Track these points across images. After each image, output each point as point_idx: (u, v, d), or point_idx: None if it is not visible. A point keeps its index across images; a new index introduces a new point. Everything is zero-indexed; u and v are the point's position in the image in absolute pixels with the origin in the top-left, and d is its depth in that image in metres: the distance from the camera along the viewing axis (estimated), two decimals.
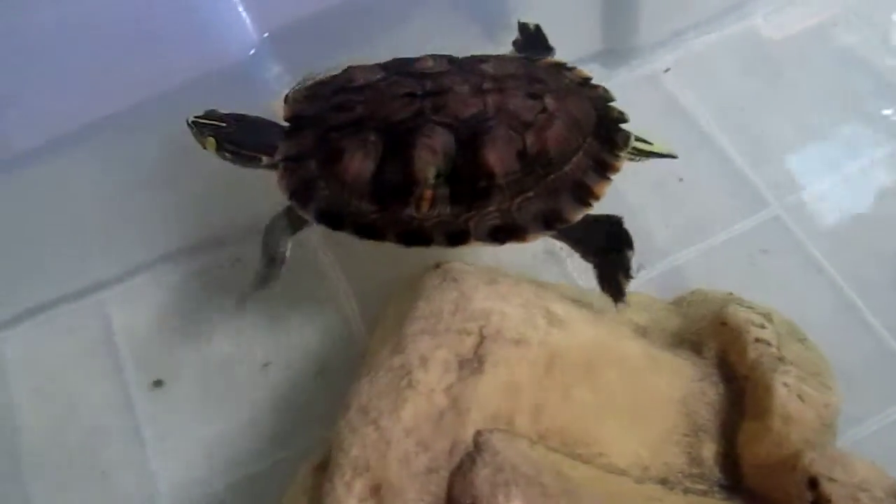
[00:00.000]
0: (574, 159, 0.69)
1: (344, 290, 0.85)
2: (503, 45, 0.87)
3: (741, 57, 0.95)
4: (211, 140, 0.74)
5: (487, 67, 0.72)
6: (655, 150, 0.77)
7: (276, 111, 0.78)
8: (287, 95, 0.77)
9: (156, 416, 0.80)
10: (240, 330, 0.83)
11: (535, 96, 0.69)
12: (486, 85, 0.69)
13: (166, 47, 0.87)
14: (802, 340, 0.68)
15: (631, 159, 0.74)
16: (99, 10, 0.86)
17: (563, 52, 0.84)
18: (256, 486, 0.76)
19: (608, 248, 0.70)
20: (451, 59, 0.74)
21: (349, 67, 0.76)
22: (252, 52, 0.90)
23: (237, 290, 0.85)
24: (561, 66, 0.79)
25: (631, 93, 0.86)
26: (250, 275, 0.86)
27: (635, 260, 0.81)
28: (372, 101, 0.69)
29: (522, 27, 0.86)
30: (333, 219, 0.70)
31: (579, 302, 0.68)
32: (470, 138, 0.67)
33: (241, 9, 0.89)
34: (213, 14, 0.87)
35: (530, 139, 0.67)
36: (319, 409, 0.78)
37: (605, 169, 0.70)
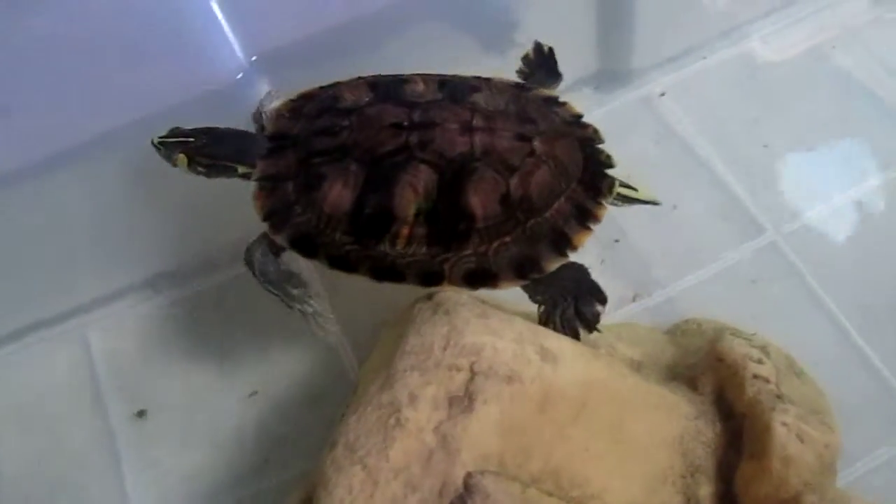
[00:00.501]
0: (556, 205, 0.68)
1: (332, 319, 0.83)
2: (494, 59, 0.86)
3: (737, 80, 0.94)
4: (181, 157, 0.73)
5: (479, 99, 0.71)
6: (639, 198, 0.74)
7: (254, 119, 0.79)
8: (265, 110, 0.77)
9: (138, 447, 0.78)
10: (225, 358, 0.82)
11: (524, 138, 0.68)
12: (476, 122, 0.67)
13: (154, 70, 0.86)
14: (800, 374, 0.67)
15: (614, 204, 0.72)
16: (87, 31, 0.85)
17: None
18: None
19: (575, 297, 0.69)
20: (441, 83, 0.73)
21: (337, 83, 0.74)
22: (240, 75, 0.89)
23: (221, 316, 0.84)
24: (553, 101, 0.76)
25: (625, 116, 0.86)
26: (235, 299, 0.85)
27: (632, 288, 0.81)
28: (358, 129, 0.68)
29: (537, 47, 0.85)
30: (307, 246, 0.68)
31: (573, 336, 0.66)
32: (454, 179, 0.65)
33: (229, 32, 0.88)
34: (201, 37, 0.87)
35: (514, 183, 0.66)
36: (306, 441, 0.76)
37: (586, 217, 0.68)
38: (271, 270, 0.72)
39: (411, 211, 0.65)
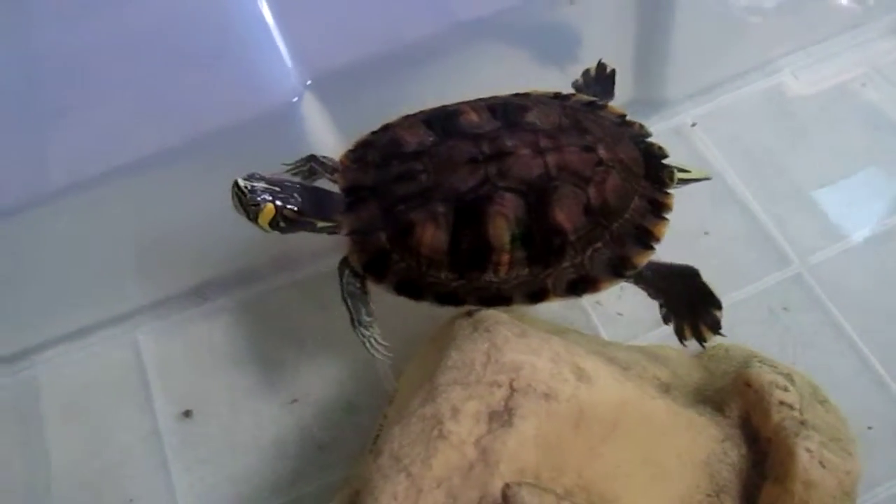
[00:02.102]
0: (632, 205, 0.73)
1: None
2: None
3: (768, 113, 0.97)
4: (269, 208, 0.71)
5: (533, 119, 0.74)
6: (695, 177, 0.79)
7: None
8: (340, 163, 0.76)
9: (183, 446, 0.82)
10: (269, 366, 0.85)
11: (589, 149, 0.72)
12: (543, 143, 0.71)
13: (210, 89, 0.89)
14: (823, 402, 0.70)
15: (676, 188, 0.77)
16: (144, 49, 0.88)
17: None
18: None
19: (692, 301, 0.74)
20: (490, 108, 0.76)
21: (388, 126, 0.77)
22: (295, 99, 0.92)
23: (265, 325, 0.88)
24: (594, 105, 0.81)
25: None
26: (278, 309, 0.89)
27: (661, 312, 0.84)
28: (435, 171, 0.70)
29: (601, 66, 0.89)
30: (412, 290, 0.71)
31: (606, 356, 0.69)
32: (538, 200, 0.69)
33: (286, 55, 0.91)
34: (259, 58, 0.90)
35: (592, 193, 0.70)
36: (344, 447, 0.79)
37: (660, 209, 0.74)
38: (355, 290, 0.73)
39: (507, 238, 0.69)
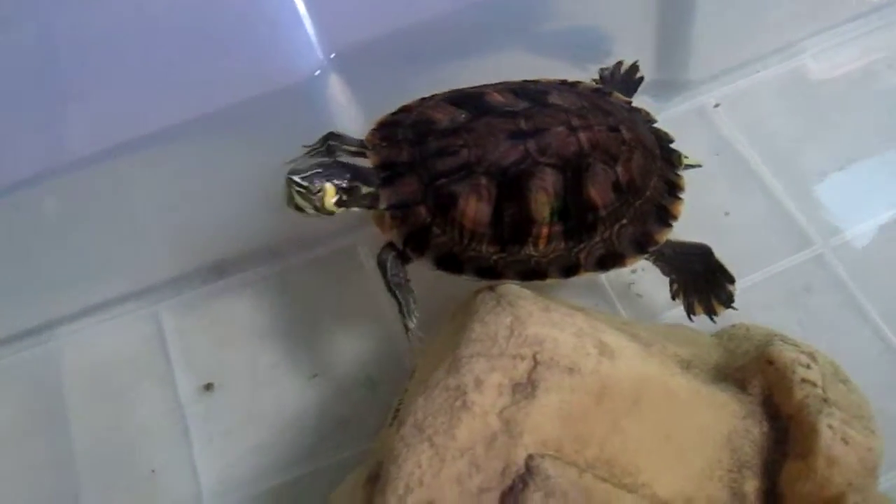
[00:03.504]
0: (652, 183, 0.75)
1: (389, 307, 0.86)
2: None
3: (790, 95, 0.97)
4: (329, 188, 0.71)
5: (558, 100, 0.75)
6: (690, 163, 0.81)
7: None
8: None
9: (204, 419, 0.83)
10: (289, 341, 0.86)
11: (614, 129, 0.74)
12: (574, 122, 0.73)
13: (232, 63, 0.89)
14: (845, 381, 0.70)
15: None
16: (168, 21, 0.88)
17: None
18: (299, 490, 0.78)
19: (707, 277, 0.77)
20: (514, 91, 0.76)
21: (408, 108, 0.77)
22: (317, 72, 0.92)
23: (286, 301, 0.88)
24: (602, 91, 0.83)
25: (681, 125, 0.89)
26: (299, 285, 0.89)
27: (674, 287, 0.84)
28: (476, 146, 0.71)
29: (634, 68, 0.91)
30: (452, 263, 0.72)
31: (628, 333, 0.69)
32: (574, 176, 0.71)
33: (310, 28, 0.91)
34: (282, 32, 0.89)
35: (620, 171, 0.73)
36: (364, 422, 0.80)
37: (676, 189, 0.77)
38: (401, 280, 0.73)
39: (547, 213, 0.71)
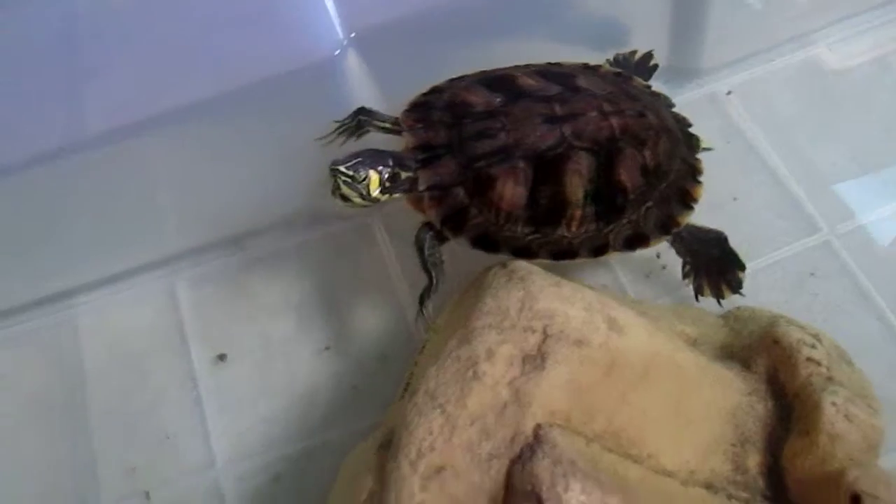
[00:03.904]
0: (675, 167, 0.77)
1: (401, 282, 0.88)
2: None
3: (802, 84, 0.98)
4: (373, 176, 0.72)
5: (586, 85, 0.78)
6: (705, 146, 0.84)
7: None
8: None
9: (217, 388, 0.84)
10: (302, 314, 0.87)
11: (641, 114, 0.76)
12: (606, 107, 0.75)
13: (252, 41, 0.89)
14: (849, 363, 0.71)
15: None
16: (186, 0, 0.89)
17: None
18: (310, 460, 0.80)
19: (719, 262, 0.80)
20: (544, 75, 0.78)
21: (439, 90, 0.79)
22: (337, 52, 0.92)
23: (300, 275, 0.90)
24: (622, 76, 0.85)
25: (693, 111, 0.89)
26: (313, 260, 0.91)
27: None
28: (514, 129, 0.73)
29: (648, 55, 0.93)
30: (489, 244, 0.74)
31: (637, 310, 0.70)
32: (606, 160, 0.73)
33: (330, 8, 0.91)
34: (302, 10, 0.90)
35: (647, 155, 0.75)
36: (375, 394, 0.81)
37: (696, 173, 0.79)
38: (437, 257, 0.75)
39: (580, 195, 0.73)
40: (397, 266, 0.89)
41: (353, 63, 0.93)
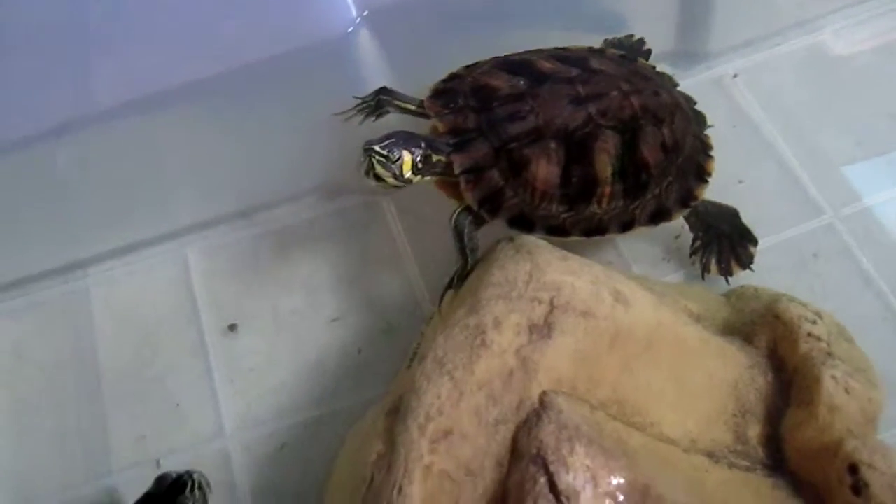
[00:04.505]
0: (689, 143, 0.80)
1: (409, 257, 0.89)
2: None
3: (809, 70, 0.98)
4: (406, 155, 0.72)
5: (600, 67, 0.80)
6: (710, 123, 0.86)
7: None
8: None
9: (227, 358, 0.86)
10: (311, 286, 0.89)
11: (656, 93, 0.79)
12: (625, 87, 0.78)
13: (265, 17, 0.90)
14: (849, 341, 0.72)
15: None
16: None
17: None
18: (317, 428, 0.81)
19: (731, 237, 0.83)
20: (559, 59, 0.80)
21: (459, 76, 0.80)
22: (350, 29, 0.93)
23: (309, 248, 0.91)
24: (626, 58, 0.87)
25: (698, 94, 0.90)
26: (323, 234, 0.92)
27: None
28: (543, 111, 0.75)
29: (640, 41, 0.95)
30: (525, 223, 0.75)
31: (643, 285, 0.72)
32: (631, 138, 0.76)
33: None
34: None
35: (666, 132, 0.78)
36: (382, 365, 0.82)
37: (708, 148, 0.82)
38: (475, 242, 0.76)
39: (609, 172, 0.75)
40: (406, 241, 0.90)
41: (366, 41, 0.93)
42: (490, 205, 0.75)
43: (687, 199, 0.79)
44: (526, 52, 0.83)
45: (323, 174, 0.93)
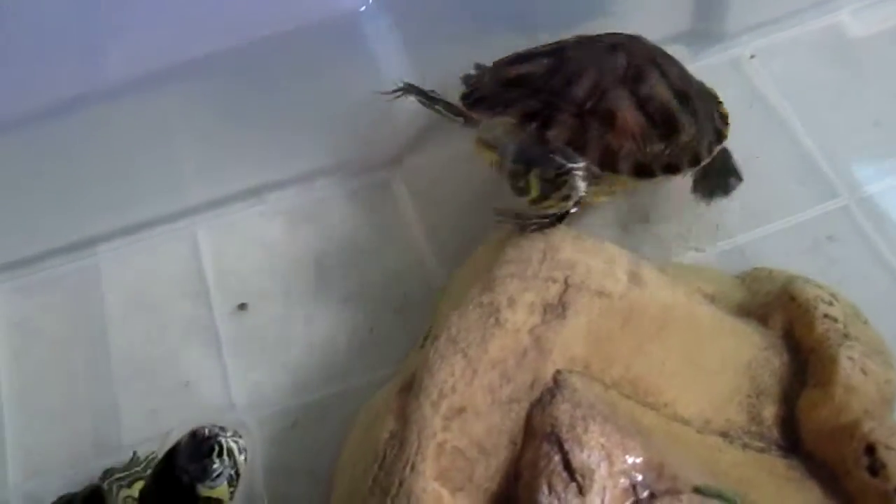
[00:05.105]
0: (695, 85, 0.83)
1: (421, 237, 0.89)
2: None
3: (826, 51, 0.97)
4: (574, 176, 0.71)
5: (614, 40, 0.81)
6: None
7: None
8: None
9: (236, 337, 0.85)
10: (322, 265, 0.88)
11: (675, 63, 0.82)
12: (623, 39, 0.80)
13: None
14: (865, 322, 0.71)
15: None
16: None
17: (651, 30, 0.87)
18: (327, 407, 0.80)
19: (719, 171, 0.84)
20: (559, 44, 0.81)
21: (479, 84, 0.80)
22: (363, 8, 0.92)
23: (320, 228, 0.91)
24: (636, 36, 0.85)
25: (715, 74, 0.89)
26: (333, 214, 0.92)
27: (704, 234, 0.85)
28: (591, 69, 0.76)
29: None
30: (644, 170, 0.75)
31: (657, 266, 0.71)
32: (661, 73, 0.79)
33: None
34: None
35: (675, 69, 0.82)
36: (393, 345, 0.82)
37: (724, 118, 0.85)
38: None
39: (675, 102, 0.77)
40: (417, 221, 0.90)
41: (379, 20, 0.92)
42: (609, 164, 0.73)
43: (720, 134, 0.82)
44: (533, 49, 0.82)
45: (334, 154, 0.92)
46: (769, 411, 0.66)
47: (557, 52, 0.79)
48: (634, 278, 0.66)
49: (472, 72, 0.84)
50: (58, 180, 0.92)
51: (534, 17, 0.89)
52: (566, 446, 0.55)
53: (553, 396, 0.60)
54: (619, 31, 0.84)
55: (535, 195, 0.71)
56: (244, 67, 0.93)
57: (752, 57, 0.96)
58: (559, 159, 0.70)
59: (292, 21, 0.90)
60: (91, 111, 0.92)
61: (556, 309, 0.64)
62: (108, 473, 0.75)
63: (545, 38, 0.84)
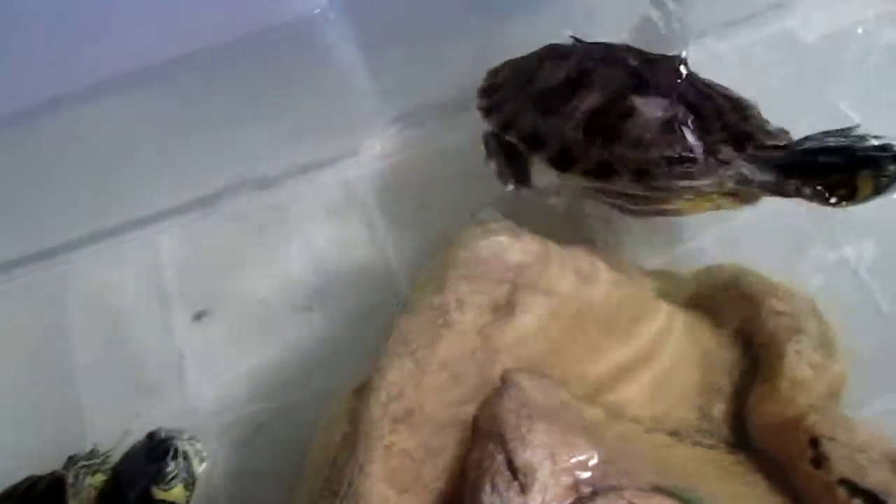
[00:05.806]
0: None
1: (387, 240, 0.89)
2: None
3: (779, 54, 0.97)
4: None
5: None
6: None
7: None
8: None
9: (199, 342, 0.86)
10: (285, 270, 0.89)
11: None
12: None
13: None
14: (818, 318, 0.72)
15: None
16: None
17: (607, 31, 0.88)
18: (295, 411, 0.81)
19: None
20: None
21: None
22: (317, 10, 0.92)
23: (283, 232, 0.91)
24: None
25: None
26: (296, 217, 0.92)
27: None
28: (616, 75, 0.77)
29: None
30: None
31: (609, 262, 0.72)
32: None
33: None
34: None
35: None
36: (355, 352, 0.81)
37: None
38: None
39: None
40: (382, 225, 0.90)
41: (334, 22, 0.93)
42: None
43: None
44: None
45: (293, 157, 0.92)
46: (719, 408, 0.66)
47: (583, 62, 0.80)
48: (583, 276, 0.67)
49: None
50: (20, 190, 0.92)
51: (509, 27, 0.89)
52: (510, 445, 0.55)
53: (499, 395, 0.60)
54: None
55: (867, 192, 0.69)
56: (203, 72, 0.94)
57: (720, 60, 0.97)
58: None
59: (248, 24, 0.91)
60: (52, 120, 0.93)
61: (505, 309, 0.64)
62: (71, 461, 0.75)
63: (503, 38, 0.85)
